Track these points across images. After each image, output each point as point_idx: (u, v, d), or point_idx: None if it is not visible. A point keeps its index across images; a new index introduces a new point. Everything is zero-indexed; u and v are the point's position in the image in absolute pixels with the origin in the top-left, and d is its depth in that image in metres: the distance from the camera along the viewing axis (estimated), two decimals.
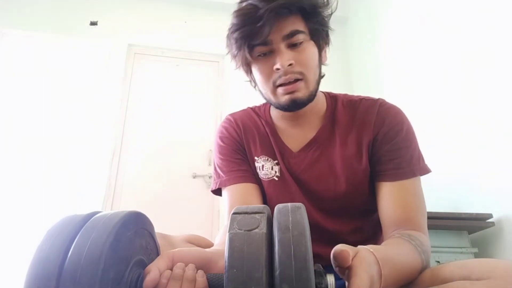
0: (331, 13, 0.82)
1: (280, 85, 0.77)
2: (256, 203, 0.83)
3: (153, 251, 0.49)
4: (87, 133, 2.75)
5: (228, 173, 0.87)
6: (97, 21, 3.07)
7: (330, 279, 0.41)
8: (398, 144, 0.79)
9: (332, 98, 0.90)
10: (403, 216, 0.73)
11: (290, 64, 0.74)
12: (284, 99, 0.77)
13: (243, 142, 0.90)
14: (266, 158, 0.87)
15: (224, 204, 0.87)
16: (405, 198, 0.75)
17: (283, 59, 0.74)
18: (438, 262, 1.64)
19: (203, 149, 2.89)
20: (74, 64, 2.93)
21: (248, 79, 0.89)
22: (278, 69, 0.75)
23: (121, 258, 0.39)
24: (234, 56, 0.82)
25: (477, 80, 1.92)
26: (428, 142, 2.10)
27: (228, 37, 0.80)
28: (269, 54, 0.77)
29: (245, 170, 0.87)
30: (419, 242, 0.67)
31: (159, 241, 0.52)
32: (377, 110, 0.83)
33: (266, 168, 0.86)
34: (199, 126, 2.95)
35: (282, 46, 0.75)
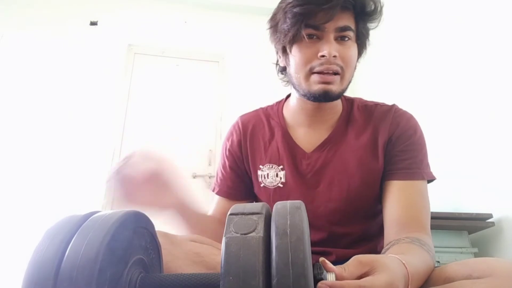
0: (372, 27, 0.85)
1: (317, 72, 0.76)
2: None
3: (154, 250, 0.49)
4: (87, 133, 2.75)
5: (220, 182, 0.93)
6: (97, 21, 3.07)
7: (331, 277, 0.41)
8: (411, 146, 0.81)
9: (348, 101, 0.91)
10: (409, 215, 0.73)
11: (335, 56, 0.75)
12: (316, 87, 0.77)
13: (247, 152, 0.90)
14: (271, 166, 0.86)
15: (209, 206, 0.93)
16: (412, 198, 0.75)
17: (331, 48, 0.74)
18: (438, 262, 1.64)
19: (203, 149, 2.89)
20: (74, 64, 2.93)
21: (276, 62, 0.89)
22: (323, 56, 0.75)
23: (118, 257, 0.38)
24: (283, 32, 0.79)
25: (478, 79, 1.92)
26: (428, 141, 2.09)
27: (283, 10, 0.78)
28: (316, 39, 0.77)
29: (234, 187, 0.91)
30: (429, 247, 0.67)
31: (160, 239, 0.52)
32: (392, 115, 0.84)
33: (270, 176, 0.86)
34: (199, 126, 2.95)
35: (332, 37, 0.76)
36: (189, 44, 3.15)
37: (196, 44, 3.15)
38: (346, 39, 0.77)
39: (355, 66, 0.82)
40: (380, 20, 0.83)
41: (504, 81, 1.76)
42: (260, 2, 2.82)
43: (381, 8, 0.81)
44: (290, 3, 0.76)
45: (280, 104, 0.94)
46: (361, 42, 0.83)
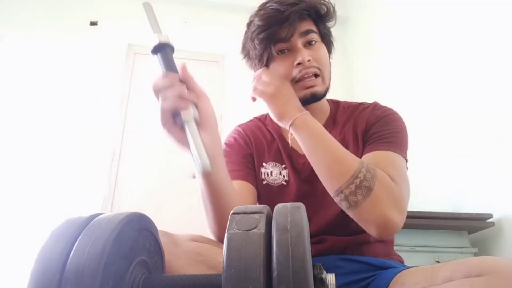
0: (332, 26, 0.91)
1: (299, 80, 0.82)
2: (249, 202, 0.84)
3: (157, 254, 0.49)
4: (87, 133, 2.75)
5: (230, 172, 0.86)
6: (97, 21, 3.07)
7: (331, 278, 0.41)
8: (386, 126, 0.83)
9: (334, 103, 0.96)
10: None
11: (309, 60, 0.81)
12: (303, 93, 0.83)
13: (252, 150, 0.93)
14: (274, 164, 0.91)
15: None
16: (384, 164, 0.74)
17: (304, 55, 0.81)
18: (438, 262, 1.64)
19: None
20: (74, 64, 2.93)
21: None
22: (299, 64, 0.81)
23: (124, 255, 0.39)
24: (257, 57, 0.87)
25: (478, 79, 1.93)
26: (428, 141, 2.10)
27: (250, 39, 0.86)
28: (288, 52, 0.83)
29: (246, 172, 0.90)
30: (369, 164, 0.70)
31: (162, 238, 0.52)
32: (372, 108, 0.90)
33: (274, 173, 0.90)
34: None
35: (300, 44, 0.82)
36: (189, 44, 3.15)
37: (196, 44, 3.16)
38: (313, 42, 0.84)
39: (330, 63, 0.89)
40: (335, 18, 0.90)
41: (505, 81, 1.76)
42: (261, 2, 2.83)
43: (333, 8, 0.88)
44: (254, 31, 0.84)
45: None
46: (327, 41, 0.89)
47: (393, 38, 2.77)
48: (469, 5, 2.03)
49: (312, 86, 0.82)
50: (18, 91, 2.77)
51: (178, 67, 0.59)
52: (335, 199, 0.72)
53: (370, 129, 0.85)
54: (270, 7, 0.82)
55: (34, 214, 2.41)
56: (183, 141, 0.57)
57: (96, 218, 0.40)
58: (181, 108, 0.55)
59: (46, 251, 0.37)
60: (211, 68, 3.18)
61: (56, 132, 2.71)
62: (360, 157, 0.83)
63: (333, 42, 0.93)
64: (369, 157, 0.78)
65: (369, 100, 0.96)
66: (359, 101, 0.97)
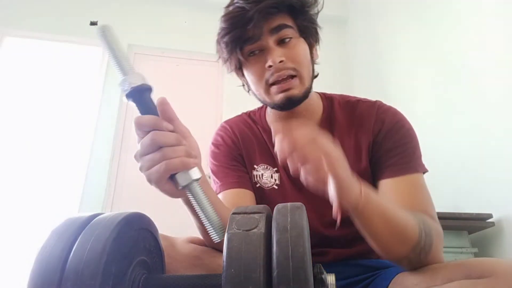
0: (318, 11, 0.81)
1: (274, 83, 0.74)
2: None
3: (157, 254, 0.49)
4: (87, 134, 2.75)
5: (223, 179, 0.85)
6: (97, 21, 3.07)
7: (331, 278, 0.41)
8: (400, 141, 0.76)
9: (328, 99, 0.88)
10: (411, 208, 0.68)
11: (281, 61, 0.73)
12: (278, 97, 0.75)
13: (240, 150, 0.87)
14: (265, 166, 0.84)
15: None
16: (411, 192, 0.71)
17: (274, 56, 0.73)
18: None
19: (203, 149, 2.86)
20: (74, 64, 2.93)
21: (242, 84, 0.89)
22: (270, 66, 0.73)
23: (123, 254, 0.39)
24: (226, 60, 0.81)
25: (478, 78, 1.92)
26: (428, 141, 2.10)
27: (218, 42, 0.80)
28: (260, 53, 0.75)
29: (240, 176, 0.84)
30: (422, 218, 0.63)
31: (161, 242, 0.52)
32: (376, 111, 0.81)
33: (265, 177, 0.84)
34: (199, 126, 2.94)
35: (271, 43, 0.74)
36: (189, 44, 3.15)
37: (196, 44, 3.15)
38: (287, 39, 0.75)
39: (311, 59, 0.80)
40: (317, 6, 0.80)
41: (505, 81, 1.76)
42: None
43: None
44: (219, 33, 0.78)
45: (262, 110, 0.92)
46: (307, 35, 0.79)
47: (393, 38, 2.77)
48: (470, 4, 2.03)
49: (287, 90, 0.74)
50: (18, 91, 2.76)
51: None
52: (393, 262, 0.66)
53: (383, 143, 0.77)
54: (236, 5, 0.75)
55: (34, 214, 2.41)
56: (177, 195, 0.52)
57: (96, 218, 0.40)
58: (187, 169, 0.49)
59: (46, 251, 0.37)
60: (211, 68, 3.18)
61: (56, 132, 2.71)
62: (369, 172, 0.77)
63: (316, 33, 0.82)
64: (395, 185, 0.71)
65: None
66: None
